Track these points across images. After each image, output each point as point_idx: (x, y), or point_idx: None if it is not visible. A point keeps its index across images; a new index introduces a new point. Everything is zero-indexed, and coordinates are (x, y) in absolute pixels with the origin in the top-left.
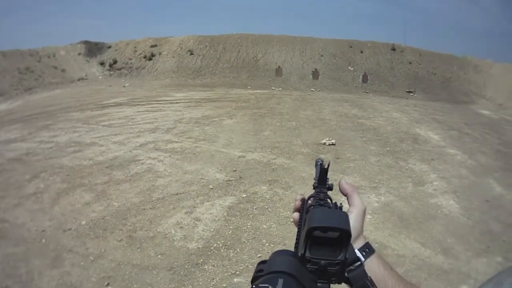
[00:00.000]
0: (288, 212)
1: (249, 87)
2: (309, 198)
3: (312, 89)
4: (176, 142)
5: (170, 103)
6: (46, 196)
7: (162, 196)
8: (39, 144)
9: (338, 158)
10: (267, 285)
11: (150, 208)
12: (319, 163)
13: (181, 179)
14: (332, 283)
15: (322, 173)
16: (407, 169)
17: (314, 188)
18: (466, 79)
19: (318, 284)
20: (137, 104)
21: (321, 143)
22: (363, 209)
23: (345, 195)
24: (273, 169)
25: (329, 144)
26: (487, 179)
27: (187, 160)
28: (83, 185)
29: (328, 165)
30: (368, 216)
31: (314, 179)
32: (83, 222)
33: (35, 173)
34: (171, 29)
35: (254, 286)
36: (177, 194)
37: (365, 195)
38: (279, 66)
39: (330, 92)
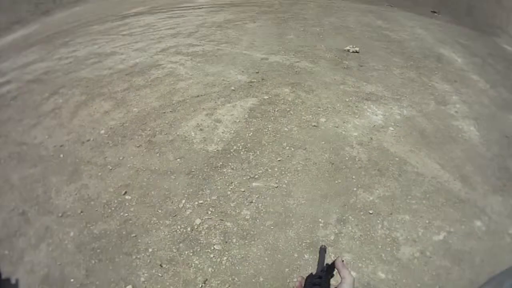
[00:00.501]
0: (310, 116)
1: None
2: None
3: None
4: (198, 45)
5: (193, 8)
6: (64, 110)
7: (183, 99)
8: (58, 61)
9: (361, 66)
10: None
11: (170, 111)
12: (322, 249)
13: (202, 81)
14: None
15: (322, 257)
16: (430, 86)
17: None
18: (490, 11)
19: None
20: (158, 12)
21: (344, 50)
22: (352, 281)
23: (337, 270)
24: (296, 72)
25: (353, 52)
26: (507, 115)
27: (209, 62)
28: (102, 94)
29: (325, 250)
30: (390, 128)
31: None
32: (102, 131)
33: (54, 89)
34: None
35: None
36: (198, 96)
37: (388, 106)
38: None
39: (354, 2)
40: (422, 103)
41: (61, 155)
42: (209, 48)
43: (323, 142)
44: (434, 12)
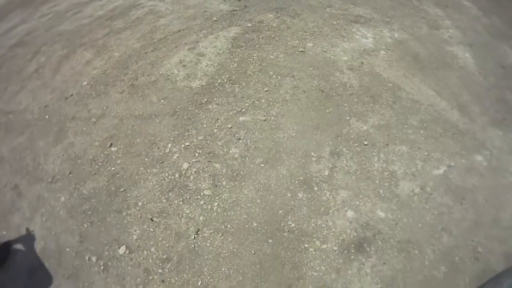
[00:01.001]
0: (296, 41)
1: None
2: None
3: None
4: None
5: None
6: (47, 69)
7: (164, 36)
8: (39, 19)
9: None
10: None
11: (152, 50)
12: None
13: (183, 15)
14: None
15: None
16: (421, 9)
17: None
18: None
19: None
20: None
21: None
22: None
23: None
24: None
25: None
26: (502, 44)
27: None
28: (83, 44)
29: None
30: (381, 52)
31: None
32: (85, 83)
33: (36, 49)
34: None
35: None
36: (179, 31)
37: (378, 28)
38: None
39: None
40: (414, 26)
41: (46, 116)
42: None
43: (311, 69)
44: None
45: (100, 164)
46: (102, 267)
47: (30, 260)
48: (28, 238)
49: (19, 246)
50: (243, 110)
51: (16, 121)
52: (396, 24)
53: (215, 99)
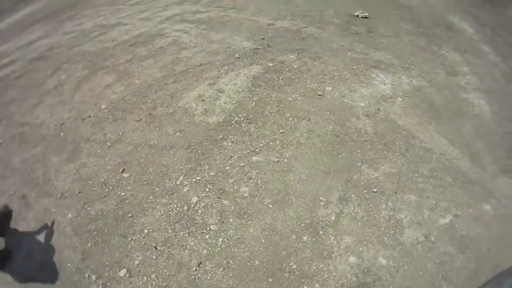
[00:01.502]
0: (316, 84)
1: None
2: None
3: None
4: (204, 12)
5: None
6: (66, 87)
7: (186, 69)
8: (63, 36)
9: (370, 32)
10: None
11: (172, 82)
12: None
13: (206, 49)
14: None
15: None
16: (440, 55)
17: None
18: None
19: None
20: None
21: (353, 15)
22: None
23: None
24: (303, 38)
25: (362, 17)
26: None
27: (214, 29)
28: (105, 67)
29: None
30: (398, 99)
31: None
32: (103, 106)
33: (57, 65)
34: None
35: None
36: (201, 65)
37: (396, 74)
38: None
39: None
40: (432, 72)
41: (62, 134)
42: (215, 14)
43: (328, 113)
44: None
45: (110, 188)
46: (100, 286)
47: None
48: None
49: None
50: (257, 150)
51: (31, 133)
52: (415, 70)
53: (230, 136)
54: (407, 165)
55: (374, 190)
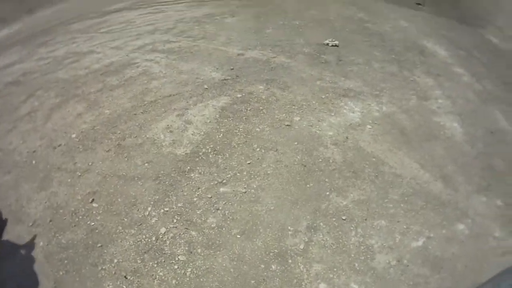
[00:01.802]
0: (284, 115)
1: None
2: None
3: None
4: (174, 42)
5: (173, 3)
6: (39, 114)
7: (155, 99)
8: (37, 61)
9: (340, 60)
10: None
11: (141, 112)
12: None
13: (175, 79)
14: None
15: None
16: (411, 80)
17: None
18: (477, 3)
19: None
20: (139, 8)
21: (323, 44)
22: None
23: None
24: (272, 68)
25: (332, 45)
26: (493, 109)
27: (184, 59)
28: (76, 96)
29: None
30: (368, 126)
31: None
32: (73, 135)
33: (31, 92)
34: None
35: None
36: (170, 95)
37: (366, 102)
38: None
39: None
40: (403, 98)
41: (34, 161)
42: (185, 44)
43: (296, 143)
44: (419, 4)
45: (80, 217)
46: None
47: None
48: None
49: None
50: (224, 181)
51: (4, 159)
52: (385, 97)
53: (198, 168)
54: (376, 192)
55: (343, 217)
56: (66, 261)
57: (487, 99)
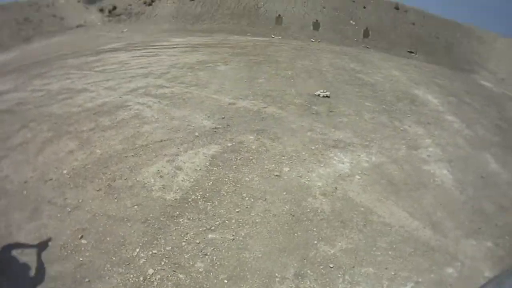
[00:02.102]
0: (273, 165)
1: (248, 33)
2: None
3: (312, 39)
4: (167, 87)
5: (167, 48)
6: (32, 146)
7: (146, 143)
8: (31, 93)
9: (331, 111)
10: None
11: (132, 155)
12: None
13: (167, 125)
14: None
15: None
16: (402, 130)
17: None
18: (469, 48)
19: None
20: (133, 49)
21: (315, 95)
22: None
23: None
24: (263, 118)
25: (323, 96)
26: (483, 153)
27: (176, 105)
28: (69, 132)
29: None
30: (357, 177)
31: None
32: (65, 171)
33: (24, 122)
34: None
35: None
36: (161, 141)
37: (356, 153)
38: (279, 15)
39: (330, 44)
40: (392, 148)
41: (24, 192)
42: (178, 90)
43: (284, 193)
44: (411, 52)
45: (69, 252)
46: None
47: None
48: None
49: None
50: (212, 227)
51: None
52: (375, 147)
53: (186, 213)
54: (364, 240)
55: (331, 265)
56: None
57: (477, 144)
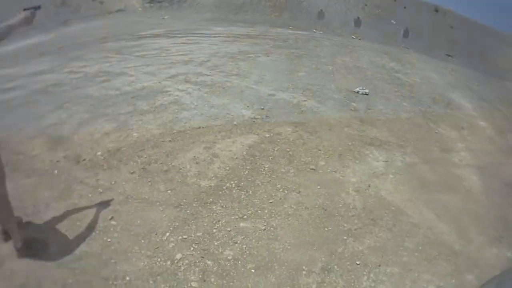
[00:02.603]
0: (309, 158)
1: (290, 27)
2: None
3: (353, 36)
4: (208, 75)
5: (208, 36)
6: (66, 126)
7: (184, 129)
8: (68, 74)
9: (369, 109)
10: None
11: (169, 140)
12: None
13: (206, 112)
14: None
15: None
16: (436, 132)
17: None
18: (504, 55)
19: None
20: (174, 36)
21: (354, 91)
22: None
23: None
24: (302, 111)
25: (362, 94)
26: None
27: (216, 93)
28: (106, 115)
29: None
30: (390, 176)
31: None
32: (99, 153)
33: (59, 103)
34: None
35: None
36: (199, 128)
37: (391, 152)
38: (321, 10)
39: (371, 42)
40: (426, 150)
41: (56, 171)
42: (218, 79)
43: (318, 187)
44: (449, 55)
45: (97, 232)
46: None
47: None
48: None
49: None
50: (245, 217)
51: (25, 163)
52: (410, 147)
53: (220, 201)
54: (393, 240)
55: (358, 262)
56: (77, 271)
57: (507, 152)
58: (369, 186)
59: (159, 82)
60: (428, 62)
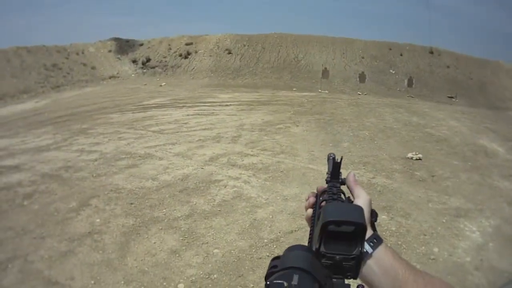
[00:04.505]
0: (423, 247)
1: (294, 88)
2: (322, 193)
3: (358, 92)
4: (252, 155)
5: (219, 105)
6: (107, 238)
7: (275, 236)
8: (80, 154)
9: (433, 176)
10: (282, 281)
11: (268, 256)
12: (331, 157)
13: (285, 208)
14: (347, 278)
15: (335, 167)
16: (495, 186)
17: (327, 183)
18: (501, 84)
19: (333, 279)
20: (183, 106)
21: (408, 158)
22: (368, 200)
23: (349, 188)
24: (379, 191)
25: (416, 159)
26: None
27: (278, 180)
28: (156, 220)
29: (341, 160)
30: (490, 244)
31: (327, 173)
32: (181, 286)
33: (83, 198)
34: (202, 27)
35: (268, 283)
36: (291, 232)
37: (477, 219)
38: (325, 68)
39: (376, 96)
40: (498, 208)
41: None
42: (266, 159)
43: (449, 276)
44: (451, 97)
45: None
46: None
47: None
48: None
49: None
50: None
51: None
52: (487, 210)
53: None
54: None
55: None
56: None
57: None
58: (481, 260)
59: (202, 168)
60: (439, 110)
